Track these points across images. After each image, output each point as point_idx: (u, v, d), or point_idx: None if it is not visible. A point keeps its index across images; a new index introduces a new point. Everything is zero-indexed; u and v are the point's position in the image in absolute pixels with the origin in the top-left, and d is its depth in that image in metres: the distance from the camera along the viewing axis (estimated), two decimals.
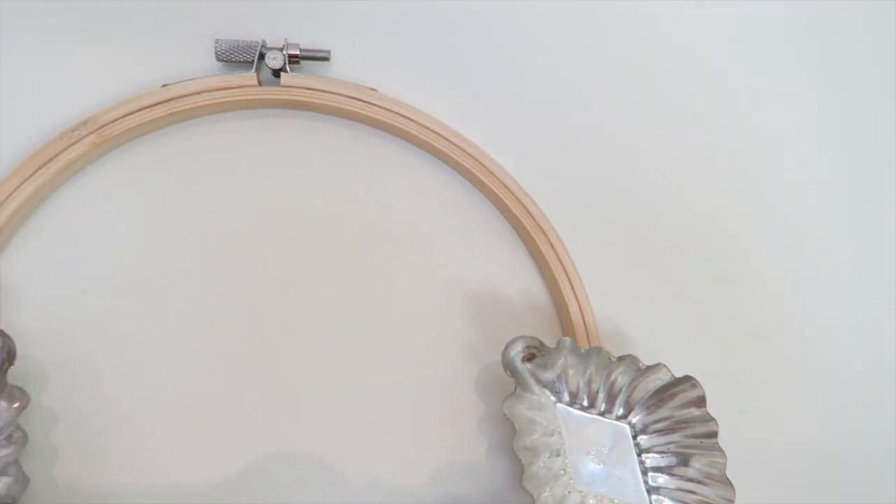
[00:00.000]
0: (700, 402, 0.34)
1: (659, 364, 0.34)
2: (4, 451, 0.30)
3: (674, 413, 0.35)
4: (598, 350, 0.34)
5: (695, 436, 0.35)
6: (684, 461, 0.34)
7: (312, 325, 0.35)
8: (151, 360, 0.33)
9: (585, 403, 0.35)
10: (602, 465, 0.35)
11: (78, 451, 0.32)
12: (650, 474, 0.35)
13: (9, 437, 0.29)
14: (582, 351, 0.33)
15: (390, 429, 0.34)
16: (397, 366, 0.35)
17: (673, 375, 0.34)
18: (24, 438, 0.28)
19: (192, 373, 0.33)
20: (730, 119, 0.44)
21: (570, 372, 0.35)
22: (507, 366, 0.33)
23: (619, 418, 0.35)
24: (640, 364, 0.34)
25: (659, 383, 0.34)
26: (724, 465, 0.33)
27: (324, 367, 0.35)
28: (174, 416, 0.33)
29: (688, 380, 0.34)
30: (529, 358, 0.34)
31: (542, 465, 0.33)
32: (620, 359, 0.34)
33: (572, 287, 0.36)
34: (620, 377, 0.34)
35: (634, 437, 0.35)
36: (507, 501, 0.35)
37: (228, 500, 0.32)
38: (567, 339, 0.33)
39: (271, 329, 0.34)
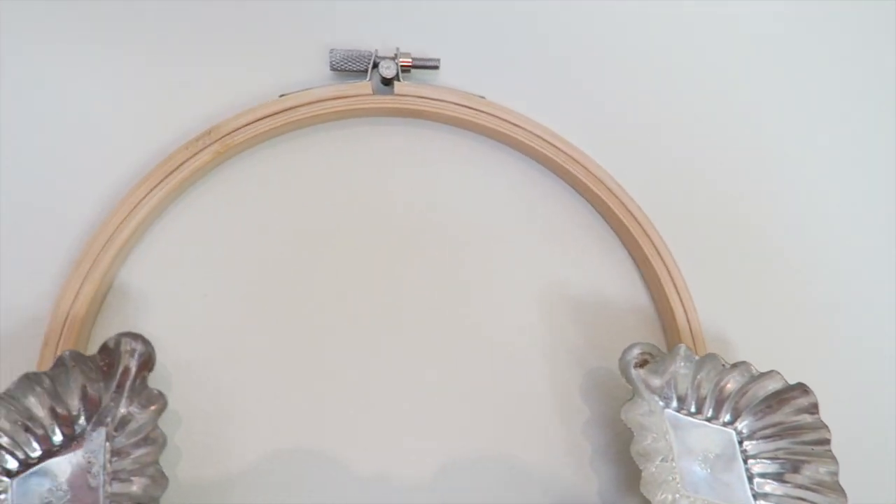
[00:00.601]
0: (812, 408, 0.34)
1: (772, 371, 0.34)
2: (142, 451, 0.31)
3: (784, 419, 0.34)
4: (713, 357, 0.34)
5: (805, 443, 0.34)
6: (794, 468, 0.34)
7: (423, 329, 0.35)
8: (269, 363, 0.34)
9: (693, 409, 0.35)
10: (709, 471, 0.35)
11: (200, 451, 0.33)
12: (756, 480, 0.35)
13: (146, 438, 0.30)
14: (696, 357, 0.33)
15: (494, 432, 0.35)
16: (502, 369, 0.36)
17: (786, 382, 0.34)
18: (164, 440, 0.29)
19: (308, 375, 0.34)
20: (837, 123, 0.43)
21: (680, 378, 0.35)
22: (623, 371, 0.33)
23: (725, 424, 0.35)
24: (754, 371, 0.34)
25: (770, 390, 0.34)
26: (837, 472, 0.33)
27: (430, 369, 0.35)
28: (291, 416, 0.33)
29: (800, 386, 0.34)
30: (642, 364, 0.34)
31: (654, 470, 0.33)
32: (734, 365, 0.34)
33: (678, 292, 0.36)
34: (730, 383, 0.34)
35: (741, 443, 0.35)
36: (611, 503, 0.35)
37: (343, 499, 0.32)
38: (682, 346, 0.33)
39: (384, 332, 0.35)
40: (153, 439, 0.30)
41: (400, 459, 0.34)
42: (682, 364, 0.34)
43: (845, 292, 0.40)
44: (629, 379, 0.34)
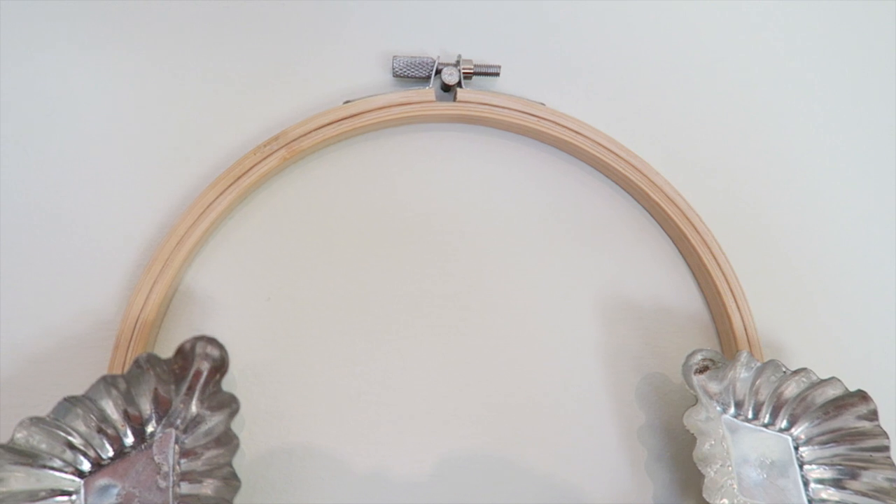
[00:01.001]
0: (872, 415, 0.34)
1: (833, 378, 0.34)
2: (214, 452, 0.31)
3: (843, 426, 0.35)
4: (773, 363, 0.34)
5: (864, 449, 0.34)
6: (852, 474, 0.34)
7: (484, 333, 0.36)
8: (330, 365, 0.34)
9: (750, 415, 0.35)
10: (765, 476, 0.35)
11: (263, 453, 0.33)
12: (812, 486, 0.35)
13: (218, 440, 0.31)
14: (757, 364, 0.34)
15: (550, 437, 0.35)
16: (559, 374, 0.36)
17: (846, 389, 0.34)
18: (236, 442, 0.29)
19: (372, 378, 0.34)
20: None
21: (739, 384, 0.35)
22: (684, 376, 0.34)
23: (782, 430, 0.35)
24: (814, 377, 0.34)
25: (830, 396, 0.34)
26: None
27: (491, 373, 0.35)
28: (353, 418, 0.34)
29: (859, 393, 0.34)
30: (702, 370, 0.35)
31: (713, 475, 0.33)
32: (794, 372, 0.34)
33: (735, 299, 0.36)
34: (789, 389, 0.34)
35: (797, 449, 0.35)
36: None
37: (406, 499, 0.33)
38: (744, 352, 0.34)
39: (446, 335, 0.35)
40: (226, 441, 0.30)
41: (456, 459, 0.34)
42: (743, 370, 0.35)
43: None
44: (689, 384, 0.34)
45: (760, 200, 0.40)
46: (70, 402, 0.29)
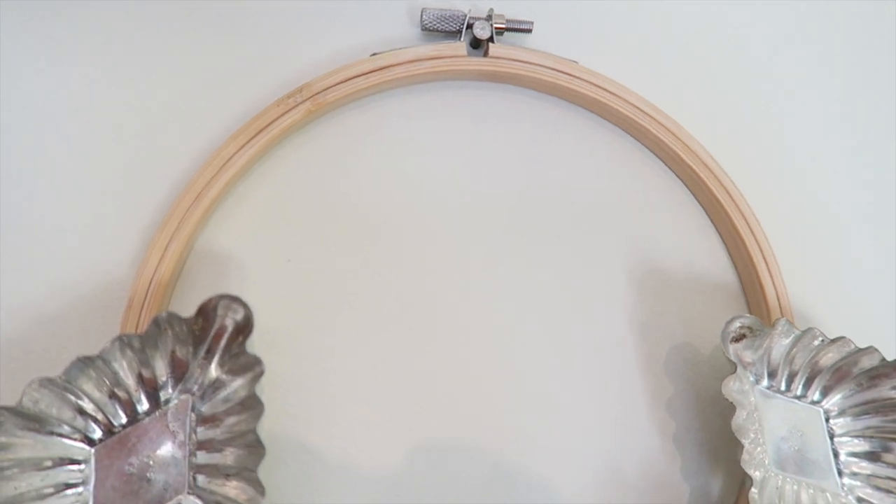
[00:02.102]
0: None
1: (871, 347, 0.33)
2: (235, 419, 0.30)
3: (877, 397, 0.34)
4: (811, 331, 0.33)
5: None
6: (884, 447, 0.34)
7: (509, 296, 0.35)
8: (350, 330, 0.33)
9: (783, 387, 0.35)
10: (796, 449, 0.34)
11: (281, 419, 0.32)
12: (843, 458, 0.34)
13: (242, 405, 0.29)
14: (795, 331, 0.33)
15: (581, 405, 0.35)
16: (591, 340, 0.36)
17: (884, 358, 0.33)
18: (261, 407, 0.28)
19: (388, 343, 0.33)
20: None
21: (774, 353, 0.34)
22: (722, 343, 0.33)
23: (813, 402, 0.35)
24: (852, 346, 0.33)
25: (865, 366, 0.34)
26: None
27: (519, 337, 0.35)
28: (370, 387, 0.33)
29: (893, 364, 0.33)
30: (739, 338, 0.34)
31: (747, 445, 0.33)
32: (833, 340, 0.34)
33: (768, 268, 0.35)
34: (826, 358, 0.34)
35: (828, 421, 0.35)
36: (693, 480, 0.35)
37: (426, 467, 0.32)
38: (782, 320, 0.33)
39: (471, 298, 0.34)
40: (249, 406, 0.29)
41: (482, 426, 0.33)
42: (780, 338, 0.34)
43: None
44: (726, 353, 0.33)
45: (796, 170, 0.40)
46: (83, 362, 0.27)
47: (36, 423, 0.27)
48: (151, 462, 0.29)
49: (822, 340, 0.34)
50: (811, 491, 0.33)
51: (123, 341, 0.28)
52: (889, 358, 0.33)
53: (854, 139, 0.41)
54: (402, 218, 0.34)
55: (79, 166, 0.33)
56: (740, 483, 0.33)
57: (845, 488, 0.34)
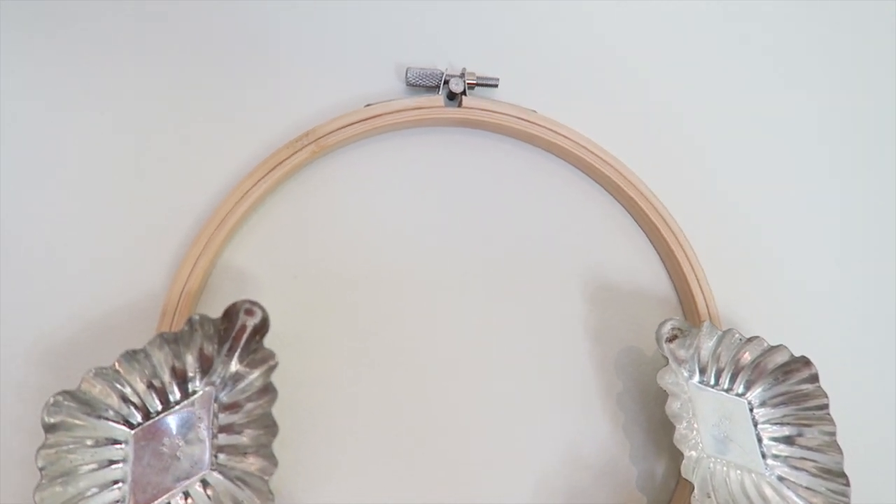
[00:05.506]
0: (813, 378, 0.39)
1: (781, 345, 0.39)
2: (253, 404, 0.35)
3: (789, 389, 0.39)
4: (731, 332, 0.39)
5: (808, 408, 0.39)
6: (799, 431, 0.39)
7: (480, 315, 0.40)
8: (349, 336, 0.38)
9: (712, 382, 0.41)
10: (725, 435, 0.40)
11: (288, 423, 0.36)
12: (766, 443, 0.39)
13: (259, 392, 0.34)
14: (718, 332, 0.39)
15: (540, 402, 0.39)
16: (550, 345, 0.40)
17: (792, 355, 0.39)
18: (275, 392, 0.33)
19: (383, 360, 0.38)
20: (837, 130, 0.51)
21: (702, 351, 0.40)
22: (658, 342, 0.39)
23: (738, 395, 0.40)
24: (765, 344, 0.40)
25: (778, 362, 0.39)
26: (835, 433, 0.38)
27: (489, 347, 0.40)
28: (373, 397, 0.37)
29: (802, 359, 0.39)
30: (672, 338, 0.40)
31: (683, 431, 0.38)
32: (749, 339, 0.39)
33: (698, 282, 0.42)
34: (745, 357, 0.40)
35: (751, 411, 0.40)
36: (641, 464, 0.40)
37: (427, 473, 0.36)
38: (706, 322, 0.39)
39: (449, 317, 0.40)
40: (265, 391, 0.33)
41: (458, 420, 0.38)
42: (706, 339, 0.40)
43: (840, 278, 0.47)
44: (662, 350, 0.39)
45: (721, 195, 0.47)
46: (130, 354, 0.32)
47: (89, 406, 0.33)
48: (181, 443, 0.34)
49: (741, 339, 0.40)
50: (738, 472, 0.37)
51: (164, 338, 0.34)
52: (796, 354, 0.39)
53: (770, 165, 0.49)
54: (390, 242, 0.40)
55: (122, 198, 0.39)
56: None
57: (768, 468, 0.38)
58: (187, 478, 0.32)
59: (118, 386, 0.32)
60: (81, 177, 0.39)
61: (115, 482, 0.32)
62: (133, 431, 0.33)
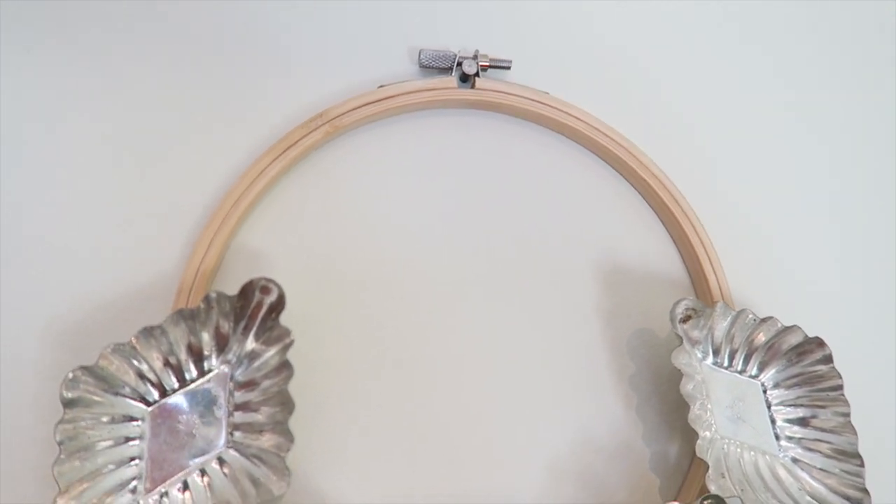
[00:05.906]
0: (827, 360, 0.39)
1: (795, 326, 0.39)
2: (269, 381, 0.35)
3: (803, 371, 0.39)
4: (744, 312, 0.39)
5: (822, 389, 0.39)
6: (813, 413, 0.39)
7: (495, 295, 0.41)
8: (360, 322, 0.38)
9: (726, 363, 0.41)
10: (738, 417, 0.40)
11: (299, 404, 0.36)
12: (779, 424, 0.39)
13: (276, 369, 0.35)
14: (732, 312, 0.39)
15: (560, 383, 0.40)
16: (564, 327, 0.41)
17: (806, 335, 0.39)
18: (291, 370, 0.33)
19: (395, 340, 0.38)
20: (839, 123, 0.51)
21: (716, 332, 0.40)
22: (672, 323, 0.39)
23: (752, 377, 0.40)
24: (779, 325, 0.39)
25: (792, 343, 0.39)
26: (849, 413, 0.38)
27: (505, 328, 0.40)
28: (386, 378, 0.38)
29: (816, 340, 0.39)
30: (686, 319, 0.40)
31: (697, 411, 0.38)
32: (763, 320, 0.39)
33: (711, 262, 0.42)
34: (759, 337, 0.40)
35: (765, 393, 0.40)
36: (654, 445, 0.40)
37: (441, 457, 0.37)
38: (720, 303, 0.39)
39: (462, 299, 0.40)
40: (281, 368, 0.33)
41: (476, 397, 0.38)
42: (719, 319, 0.40)
43: (854, 258, 0.47)
44: (676, 330, 0.39)
45: (734, 178, 0.47)
46: (147, 331, 0.33)
47: (106, 383, 0.33)
48: (197, 421, 0.34)
49: (754, 319, 0.40)
50: (752, 453, 0.37)
51: (180, 314, 0.34)
52: (810, 335, 0.39)
53: (779, 151, 0.49)
54: (401, 223, 0.41)
55: (139, 180, 0.39)
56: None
57: (782, 450, 0.38)
58: (203, 455, 0.32)
59: (135, 363, 0.32)
60: (99, 159, 0.39)
61: (132, 459, 0.32)
62: (149, 409, 0.33)
